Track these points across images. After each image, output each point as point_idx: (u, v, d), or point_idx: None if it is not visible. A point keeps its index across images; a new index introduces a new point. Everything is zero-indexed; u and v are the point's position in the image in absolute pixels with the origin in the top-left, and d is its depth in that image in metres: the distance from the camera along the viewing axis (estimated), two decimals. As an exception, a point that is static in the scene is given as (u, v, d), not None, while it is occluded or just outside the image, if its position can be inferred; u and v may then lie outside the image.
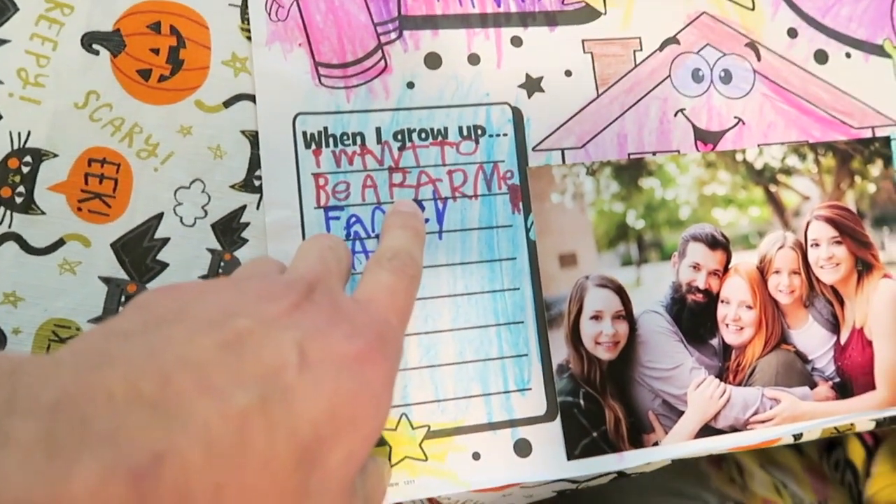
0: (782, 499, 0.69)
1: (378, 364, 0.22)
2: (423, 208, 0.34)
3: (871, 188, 0.37)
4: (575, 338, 0.34)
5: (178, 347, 0.18)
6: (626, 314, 0.35)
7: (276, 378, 0.19)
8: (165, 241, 0.32)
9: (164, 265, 0.32)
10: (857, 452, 0.49)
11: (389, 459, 0.32)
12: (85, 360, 0.17)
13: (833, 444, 0.50)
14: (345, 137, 0.34)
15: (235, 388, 0.18)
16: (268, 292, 0.22)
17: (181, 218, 0.32)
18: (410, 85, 0.35)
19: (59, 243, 0.31)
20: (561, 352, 0.34)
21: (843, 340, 0.37)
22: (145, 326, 0.19)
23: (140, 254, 0.32)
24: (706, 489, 0.66)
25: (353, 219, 0.33)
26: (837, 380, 0.36)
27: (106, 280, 0.32)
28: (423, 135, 0.34)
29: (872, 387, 0.36)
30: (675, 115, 0.37)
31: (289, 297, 0.22)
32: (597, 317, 0.35)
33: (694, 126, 0.37)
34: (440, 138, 0.34)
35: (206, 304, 0.21)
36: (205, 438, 0.16)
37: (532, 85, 0.35)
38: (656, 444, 0.34)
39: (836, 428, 0.36)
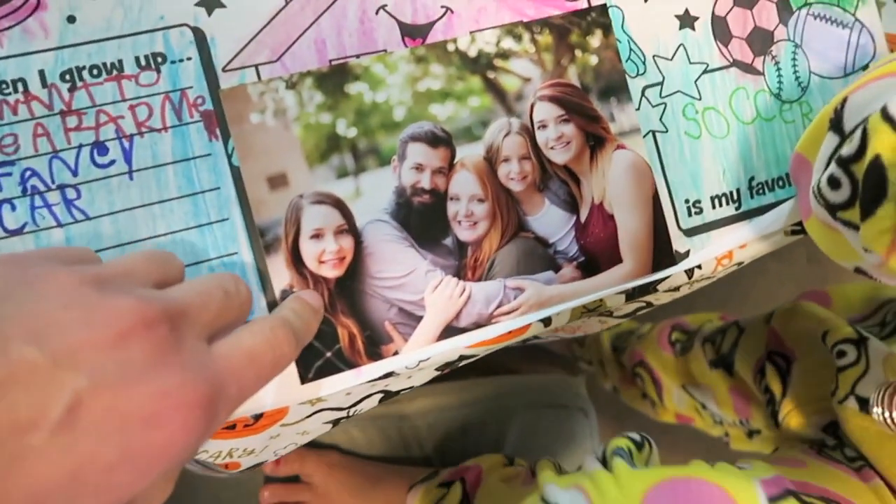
0: (701, 417, 0.74)
1: (179, 433, 0.22)
2: (107, 150, 0.35)
3: (594, 60, 0.40)
4: (296, 260, 0.36)
5: None
6: (349, 227, 0.37)
7: (13, 439, 0.19)
8: None
9: None
10: (773, 378, 0.53)
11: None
12: None
13: (763, 369, 0.54)
14: (4, 86, 0.34)
15: None
16: (107, 308, 0.22)
17: None
18: (71, 19, 0.35)
19: None
20: (283, 277, 0.36)
21: (583, 219, 0.40)
22: None
23: None
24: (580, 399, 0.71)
25: (29, 172, 0.34)
26: (582, 259, 0.39)
27: None
28: (95, 71, 0.35)
29: (619, 260, 0.40)
30: (377, 12, 0.38)
31: (123, 322, 0.21)
32: (317, 235, 0.36)
33: (399, 22, 0.38)
34: (115, 72, 0.35)
35: (13, 305, 0.20)
36: None
37: (210, 1, 0.36)
38: (396, 353, 0.37)
39: (584, 307, 0.39)
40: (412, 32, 0.39)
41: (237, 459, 0.43)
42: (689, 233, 0.41)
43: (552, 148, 0.40)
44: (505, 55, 0.40)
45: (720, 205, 0.42)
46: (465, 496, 0.52)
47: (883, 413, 0.37)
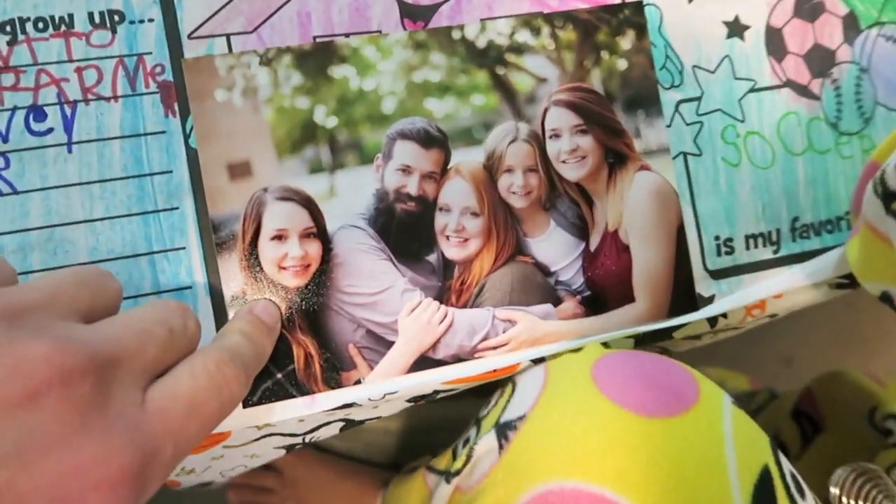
0: None
1: None
2: (45, 116, 0.30)
3: (622, 64, 0.34)
4: (252, 263, 0.31)
5: None
6: (318, 231, 0.32)
7: None
8: None
9: None
10: (793, 438, 0.48)
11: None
12: None
13: (777, 434, 0.49)
14: (-66, 32, 0.29)
15: None
16: (15, 356, 0.18)
17: None
18: (20, -38, 0.30)
19: None
20: (235, 281, 0.31)
21: (593, 247, 0.34)
22: None
23: None
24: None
25: (-49, 133, 0.29)
26: (587, 293, 0.34)
27: None
28: (41, 24, 0.31)
29: (631, 299, 0.34)
30: (375, -13, 0.33)
31: (34, 375, 0.18)
32: (280, 236, 0.31)
33: (399, 0, 0.33)
34: (63, 28, 0.31)
35: None
36: None
37: (183, -44, 0.31)
38: (359, 382, 0.31)
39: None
40: (413, 14, 0.34)
41: (175, 478, 0.38)
42: (717, 275, 0.36)
43: (564, 161, 0.34)
44: (519, 49, 0.35)
45: (755, 246, 0.36)
46: None
47: (841, 497, 0.33)
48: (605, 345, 0.33)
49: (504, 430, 0.29)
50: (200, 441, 0.23)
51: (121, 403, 0.20)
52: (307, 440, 0.36)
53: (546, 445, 0.28)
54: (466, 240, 0.34)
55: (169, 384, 0.22)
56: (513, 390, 0.32)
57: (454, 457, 0.33)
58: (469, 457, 0.31)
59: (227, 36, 0.32)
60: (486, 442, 0.30)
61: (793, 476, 0.30)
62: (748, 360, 0.82)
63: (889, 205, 0.28)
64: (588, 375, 0.30)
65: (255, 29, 0.33)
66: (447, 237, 0.34)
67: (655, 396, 0.29)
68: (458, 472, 0.31)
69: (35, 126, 0.31)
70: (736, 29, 0.36)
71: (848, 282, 0.37)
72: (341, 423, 0.36)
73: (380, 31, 0.33)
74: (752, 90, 0.36)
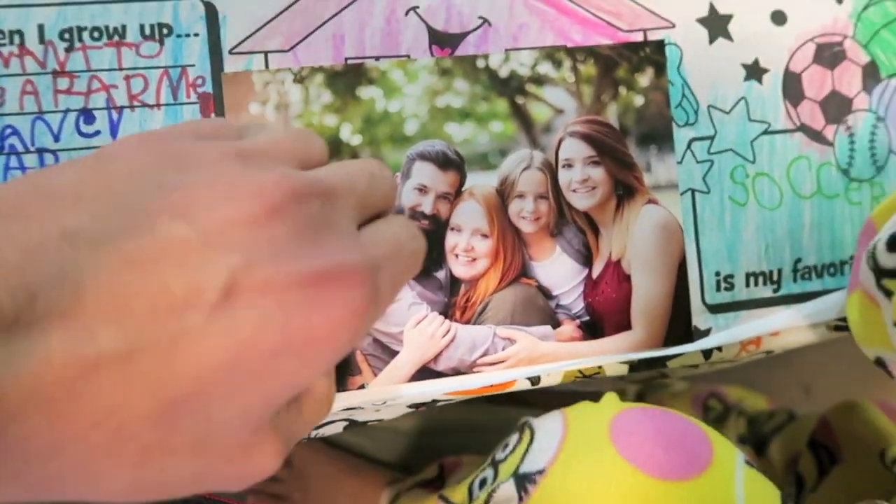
0: None
1: (343, 316, 0.20)
2: (93, 119, 0.33)
3: (639, 100, 0.36)
4: (273, 267, 0.34)
5: (75, 250, 0.17)
6: (336, 242, 0.34)
7: (171, 318, 0.17)
8: None
9: None
10: (810, 468, 0.49)
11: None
12: None
13: (798, 457, 0.51)
14: (0, 36, 0.32)
15: (107, 325, 0.17)
16: (253, 183, 0.20)
17: None
18: (80, -25, 0.33)
19: None
20: (255, 283, 0.33)
21: (595, 274, 0.36)
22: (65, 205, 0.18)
23: None
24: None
25: (9, 130, 0.33)
26: (586, 318, 0.36)
27: None
28: (97, 34, 0.33)
29: (628, 326, 0.36)
30: (406, 13, 0.35)
31: (271, 197, 0.20)
32: (300, 244, 0.34)
33: (429, 27, 0.35)
34: (116, 38, 0.33)
35: (153, 182, 0.19)
36: (35, 381, 0.16)
37: (229, -24, 0.34)
38: (362, 387, 0.34)
39: (580, 371, 0.36)
40: (441, 41, 0.36)
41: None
42: (715, 309, 0.37)
43: (574, 191, 0.36)
44: (539, 81, 0.36)
45: (755, 284, 0.38)
46: (441, 474, 0.50)
47: None
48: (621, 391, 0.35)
49: (524, 483, 0.32)
50: (406, 281, 0.25)
51: (344, 229, 0.22)
52: (312, 435, 0.39)
53: None
54: (474, 259, 0.36)
55: (374, 227, 0.24)
56: (531, 439, 0.34)
57: (470, 496, 0.35)
58: (487, 502, 0.33)
59: (266, 53, 0.35)
60: (505, 490, 0.32)
61: None
62: (767, 386, 0.83)
63: (879, 279, 0.30)
64: (606, 434, 0.32)
65: (292, 48, 0.35)
66: (456, 255, 0.36)
67: (671, 458, 0.31)
68: None
69: (84, 128, 0.34)
70: (754, 72, 0.38)
71: (846, 324, 0.38)
72: (345, 423, 0.38)
73: (408, 56, 0.36)
74: (766, 132, 0.38)
